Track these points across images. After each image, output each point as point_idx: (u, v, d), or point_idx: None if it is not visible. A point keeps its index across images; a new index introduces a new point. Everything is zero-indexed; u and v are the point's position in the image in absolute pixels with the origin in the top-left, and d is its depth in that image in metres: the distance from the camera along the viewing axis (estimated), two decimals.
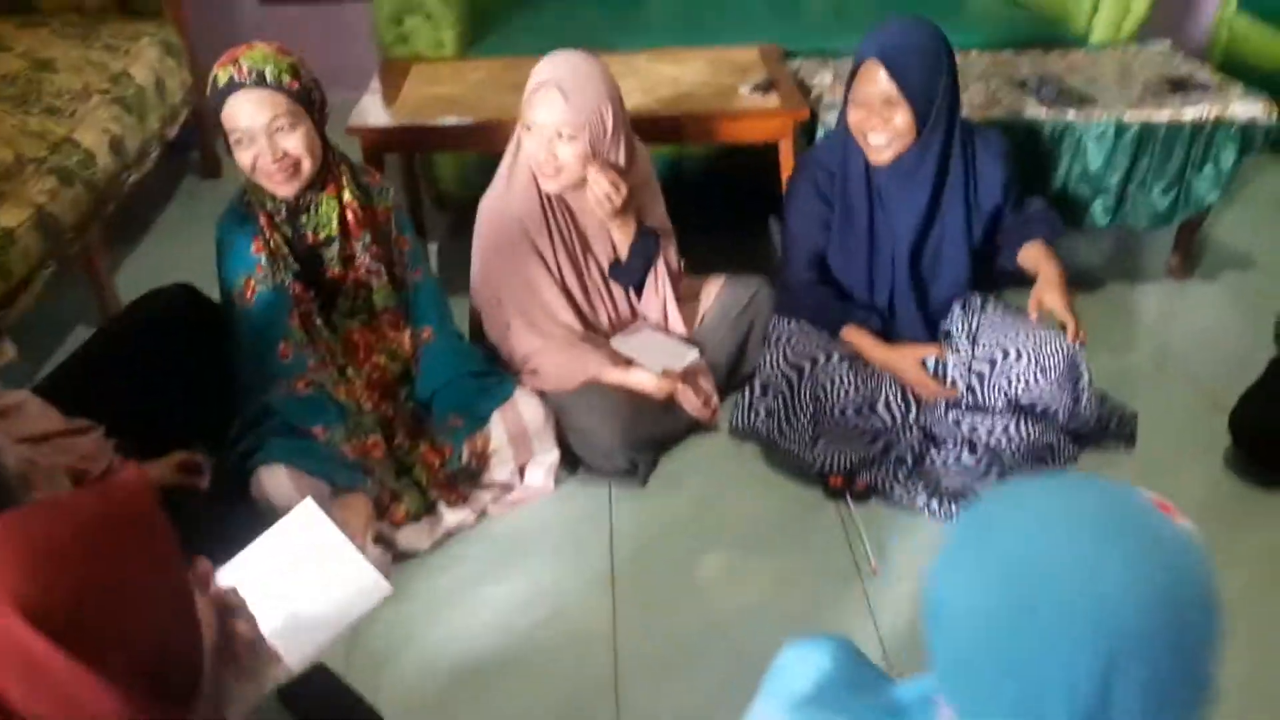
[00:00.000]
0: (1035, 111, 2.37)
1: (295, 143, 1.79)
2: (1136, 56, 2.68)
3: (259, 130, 1.77)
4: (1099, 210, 2.47)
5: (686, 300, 2.24)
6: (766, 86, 2.44)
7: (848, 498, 2.00)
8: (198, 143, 3.34)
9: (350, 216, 1.94)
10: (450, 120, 2.38)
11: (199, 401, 2.00)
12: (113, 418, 1.83)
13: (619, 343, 2.16)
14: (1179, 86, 2.46)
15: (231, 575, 1.24)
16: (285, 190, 1.84)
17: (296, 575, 1.34)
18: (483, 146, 2.42)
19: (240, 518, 1.83)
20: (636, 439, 2.04)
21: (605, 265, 2.15)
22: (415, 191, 2.87)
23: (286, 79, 1.76)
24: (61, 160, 2.38)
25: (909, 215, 2.08)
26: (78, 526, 0.86)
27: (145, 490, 0.92)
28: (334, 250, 1.95)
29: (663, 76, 2.56)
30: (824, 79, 2.57)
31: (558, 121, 1.93)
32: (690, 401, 2.10)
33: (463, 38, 2.78)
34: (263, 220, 1.88)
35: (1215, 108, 2.39)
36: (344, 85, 2.75)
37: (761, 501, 2.04)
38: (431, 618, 1.79)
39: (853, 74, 2.02)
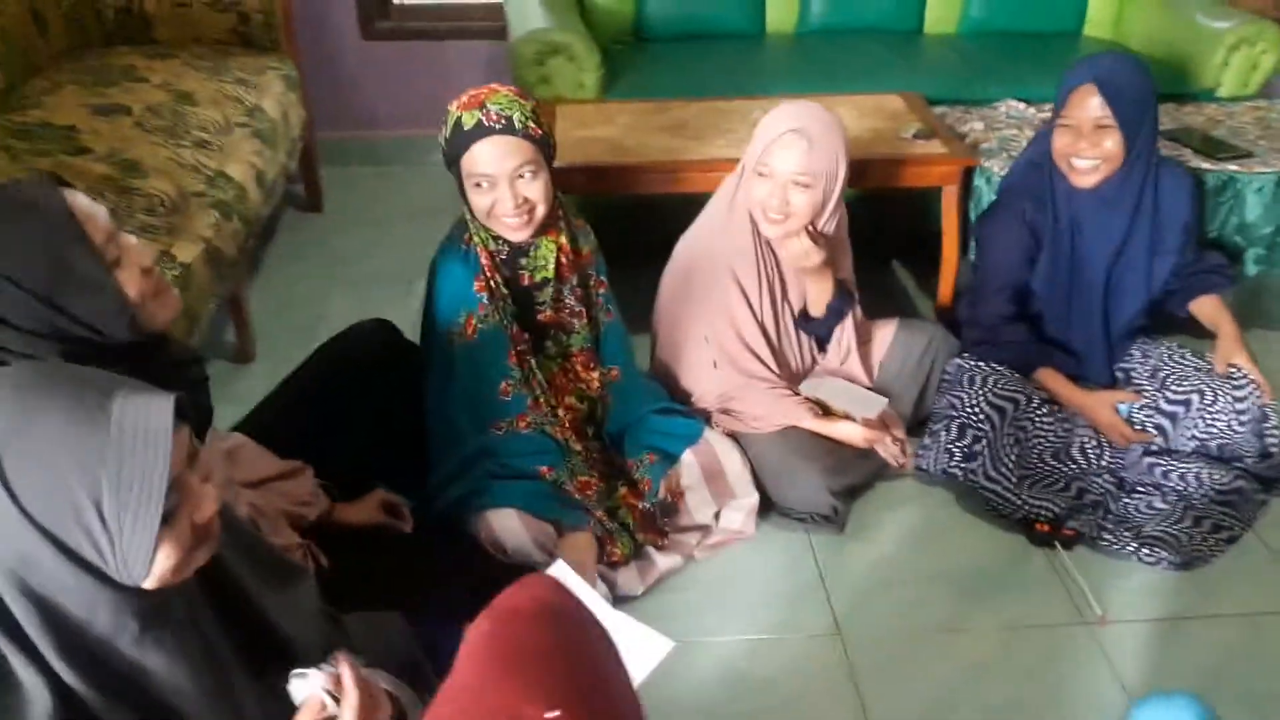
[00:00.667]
0: (1198, 163, 2.41)
1: (536, 190, 1.77)
2: (1271, 110, 2.74)
3: (503, 176, 1.74)
4: (1250, 260, 2.50)
5: (861, 345, 2.24)
6: (928, 134, 2.46)
7: (1057, 544, 1.98)
8: (300, 177, 3.30)
9: (564, 260, 1.91)
10: (616, 161, 2.37)
11: (393, 441, 1.95)
12: (314, 457, 1.78)
13: (808, 389, 2.14)
14: None
15: None
16: (519, 235, 1.82)
17: None
18: (645, 188, 2.41)
19: (451, 560, 1.80)
20: (840, 485, 2.02)
21: (796, 312, 2.14)
22: None
23: (531, 126, 1.74)
24: (219, 194, 2.34)
25: (1106, 244, 2.12)
26: (548, 626, 0.82)
27: (560, 583, 0.89)
28: (547, 293, 1.92)
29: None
30: (974, 126, 2.61)
31: (798, 169, 1.93)
32: (888, 449, 2.08)
33: (602, 80, 2.78)
34: (484, 259, 1.84)
35: None
36: None
37: (966, 548, 2.02)
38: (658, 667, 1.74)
39: (1062, 100, 2.06)
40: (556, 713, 0.75)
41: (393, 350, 2.00)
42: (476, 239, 1.85)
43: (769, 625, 1.84)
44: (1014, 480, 2.01)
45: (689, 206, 2.21)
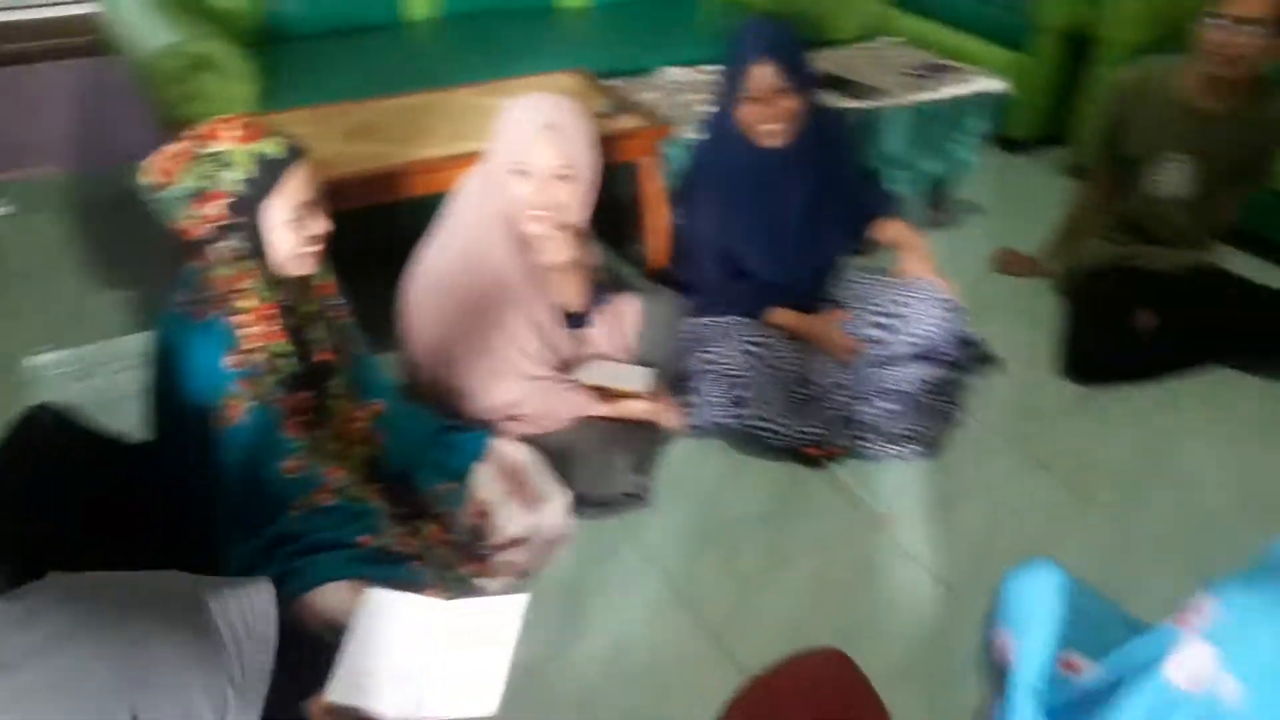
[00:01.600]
0: (845, 104, 2.71)
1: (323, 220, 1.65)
2: (881, 50, 3.13)
3: (308, 207, 1.61)
4: (900, 183, 2.88)
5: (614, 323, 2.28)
6: (615, 109, 2.53)
7: (826, 463, 2.19)
8: None
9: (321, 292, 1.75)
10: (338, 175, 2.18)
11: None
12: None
13: (582, 378, 2.15)
14: (934, 70, 2.94)
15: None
16: (311, 268, 1.67)
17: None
18: (382, 195, 2.26)
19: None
20: (636, 461, 2.06)
21: (559, 308, 2.14)
22: None
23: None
24: None
25: (796, 193, 2.32)
26: None
27: None
28: (321, 327, 1.75)
29: (497, 110, 2.54)
30: (648, 95, 2.72)
31: (560, 162, 1.90)
32: (666, 415, 2.15)
33: (255, 92, 2.54)
34: (251, 319, 1.63)
35: (964, 85, 2.90)
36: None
37: (757, 488, 2.16)
38: (528, 697, 1.69)
39: (739, 75, 2.21)
40: None
41: (83, 441, 1.72)
42: (239, 302, 1.62)
43: (617, 618, 1.85)
44: (782, 415, 2.18)
45: (416, 211, 2.11)
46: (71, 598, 0.80)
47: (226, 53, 2.46)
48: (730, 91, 2.25)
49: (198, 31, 2.51)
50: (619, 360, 2.22)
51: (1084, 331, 2.58)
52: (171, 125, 2.40)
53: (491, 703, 1.35)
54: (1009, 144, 3.59)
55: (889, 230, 2.45)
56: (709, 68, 3.00)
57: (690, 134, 2.51)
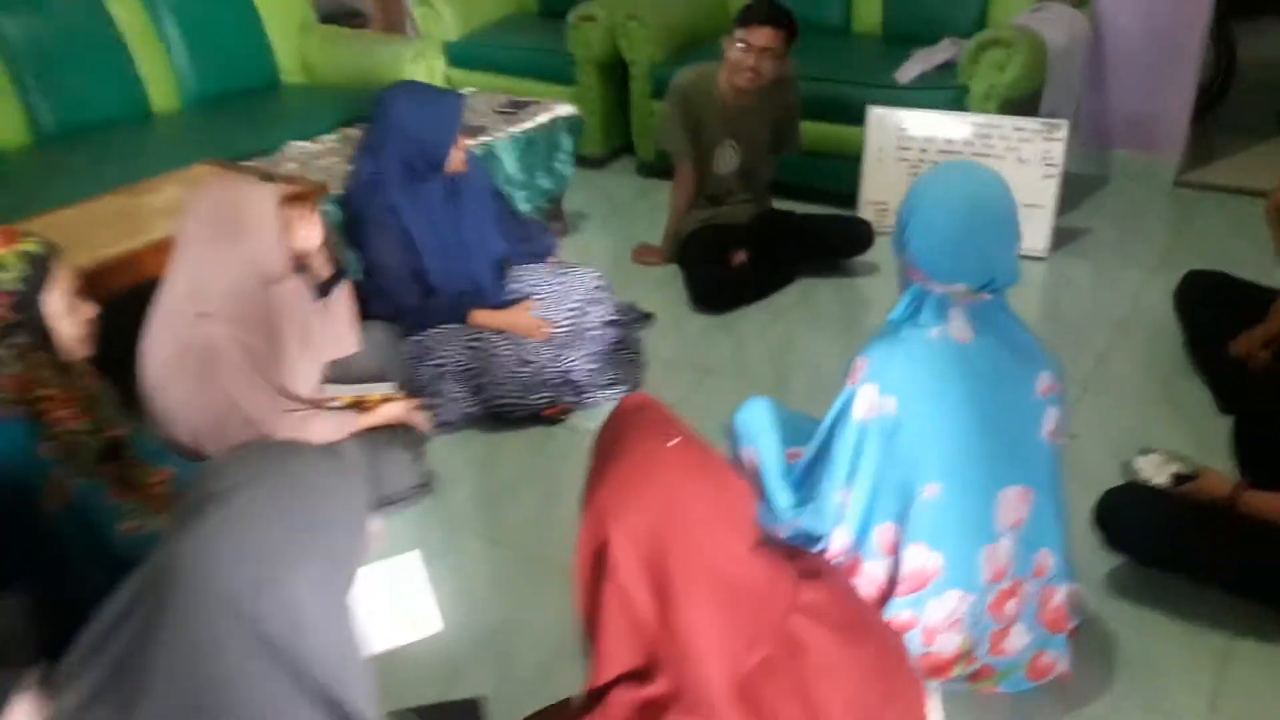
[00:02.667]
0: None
1: None
2: (469, 99, 3.63)
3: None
4: (522, 200, 3.39)
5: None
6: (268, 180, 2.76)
7: (563, 418, 2.63)
8: None
9: None
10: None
11: None
12: None
13: (335, 400, 2.37)
14: (519, 105, 3.50)
15: None
16: (89, 350, 1.78)
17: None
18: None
19: None
20: (415, 455, 2.34)
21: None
22: None
23: None
24: None
25: (471, 205, 2.75)
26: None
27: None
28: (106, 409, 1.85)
29: (158, 207, 2.66)
30: (290, 166, 2.98)
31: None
32: (417, 416, 2.43)
33: None
34: (57, 405, 1.71)
35: (550, 112, 3.49)
36: None
37: (516, 451, 2.54)
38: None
39: (443, 152, 2.61)
40: (678, 439, 1.12)
41: None
42: (37, 391, 1.68)
43: (461, 578, 2.12)
44: (516, 391, 2.57)
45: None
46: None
47: None
48: (426, 156, 2.61)
49: None
50: (358, 382, 2.47)
51: (697, 275, 3.26)
52: None
53: (436, 622, 1.61)
54: (586, 161, 4.26)
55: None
56: (326, 138, 3.34)
57: (338, 190, 2.82)
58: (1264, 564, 1.85)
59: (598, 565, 1.09)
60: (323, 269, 2.38)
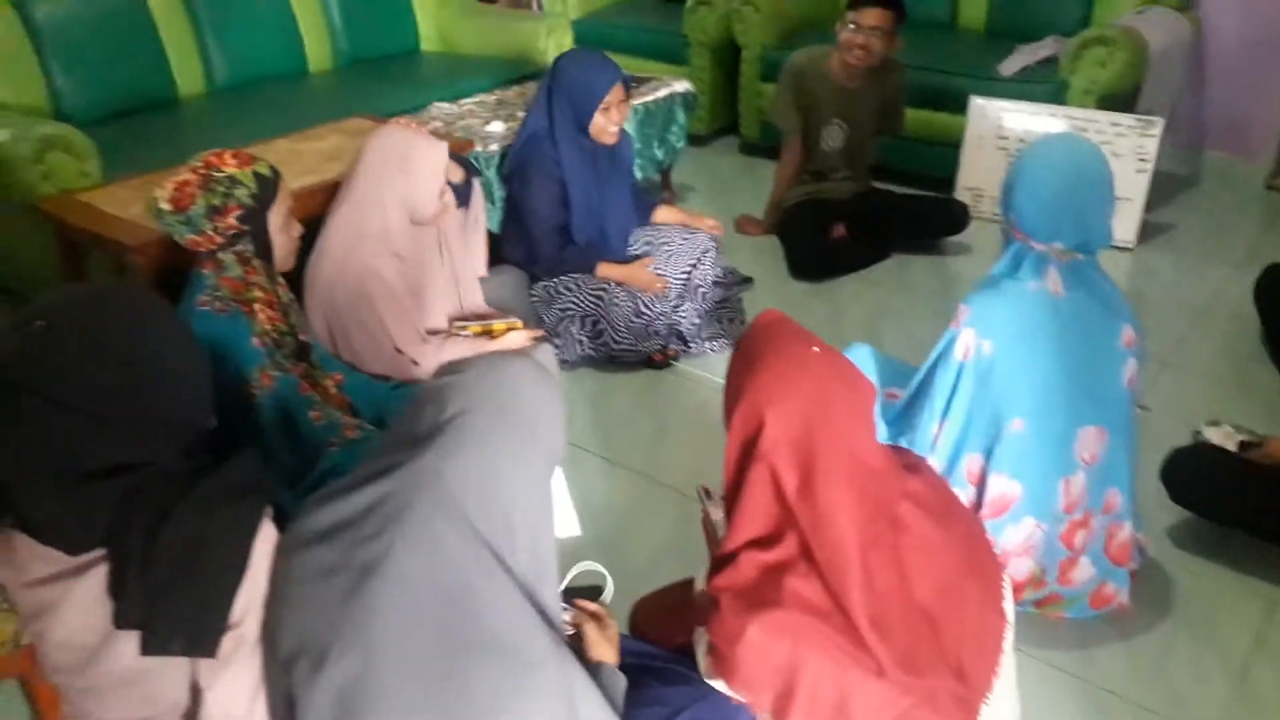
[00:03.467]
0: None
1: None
2: None
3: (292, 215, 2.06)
4: (636, 168, 3.65)
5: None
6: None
7: (671, 363, 2.90)
8: None
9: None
10: None
11: None
12: None
13: (470, 328, 2.66)
14: (639, 81, 3.77)
15: None
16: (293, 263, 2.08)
17: None
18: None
19: None
20: None
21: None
22: None
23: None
24: None
25: (618, 174, 3.01)
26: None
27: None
28: (296, 312, 2.16)
29: (323, 151, 2.99)
30: (435, 125, 3.28)
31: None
32: (540, 347, 2.70)
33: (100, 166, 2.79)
34: (259, 309, 2.01)
35: (667, 88, 3.75)
36: None
37: (629, 391, 2.82)
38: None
39: (595, 100, 2.82)
40: (818, 347, 1.37)
41: None
42: (251, 293, 2.01)
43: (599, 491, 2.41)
44: (631, 337, 2.84)
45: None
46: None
47: (74, 134, 2.70)
48: (579, 106, 2.85)
49: (29, 113, 2.73)
50: (485, 313, 2.77)
51: (797, 245, 3.49)
52: (29, 207, 2.62)
53: (576, 526, 1.88)
54: (692, 138, 4.51)
55: (663, 212, 3.20)
56: (467, 100, 3.64)
57: (483, 147, 3.12)
58: None
59: (748, 446, 1.33)
60: (455, 173, 2.67)
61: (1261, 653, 1.96)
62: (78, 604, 1.24)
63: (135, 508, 1.26)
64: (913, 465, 1.45)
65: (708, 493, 1.82)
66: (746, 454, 1.33)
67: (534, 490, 1.25)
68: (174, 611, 1.23)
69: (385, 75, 3.85)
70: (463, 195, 2.71)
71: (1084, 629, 2.00)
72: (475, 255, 2.80)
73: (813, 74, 3.47)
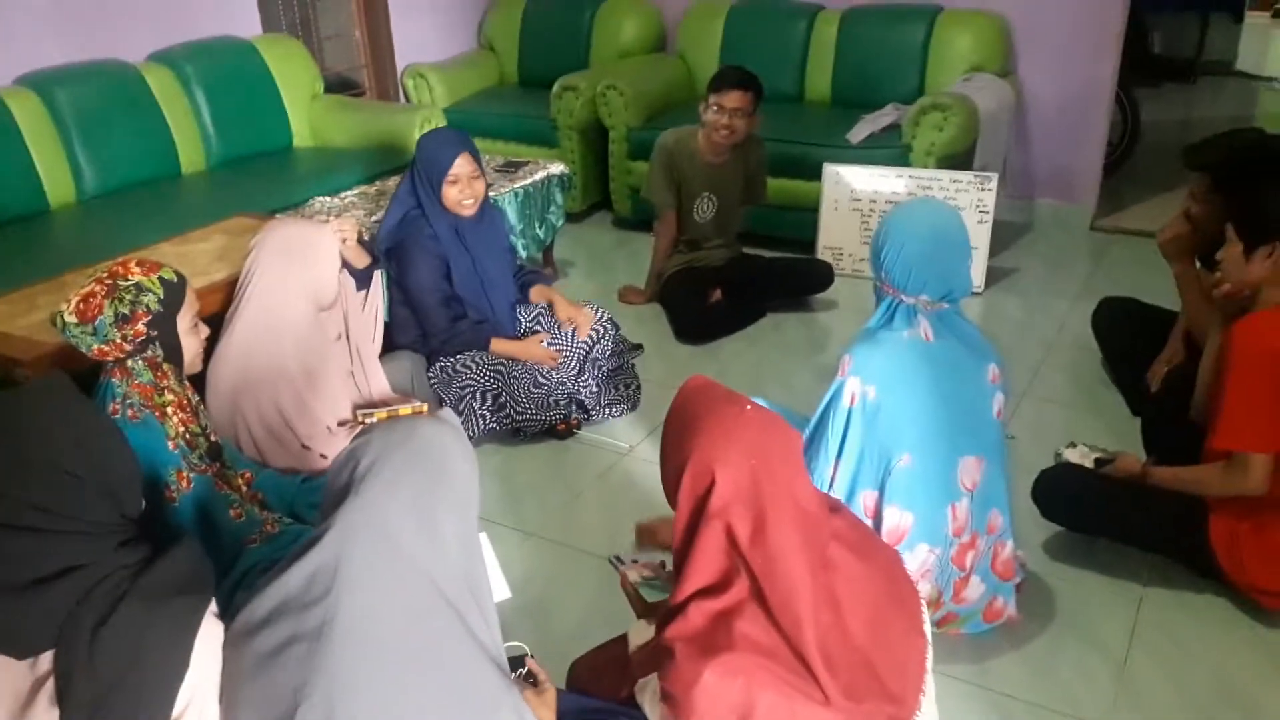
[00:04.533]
0: None
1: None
2: None
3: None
4: (520, 247, 3.79)
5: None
6: None
7: (575, 432, 3.00)
8: None
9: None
10: None
11: None
12: None
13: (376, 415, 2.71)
14: (515, 165, 3.92)
15: None
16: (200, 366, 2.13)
17: None
18: None
19: None
20: None
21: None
22: None
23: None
24: None
25: (494, 249, 3.12)
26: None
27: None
28: (205, 414, 2.18)
29: (210, 252, 3.00)
30: (319, 216, 3.34)
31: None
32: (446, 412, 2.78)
33: None
34: (173, 411, 2.03)
35: (544, 170, 3.92)
36: None
37: (536, 461, 2.91)
38: None
39: (441, 173, 2.93)
40: (749, 405, 1.49)
41: None
42: (163, 397, 2.02)
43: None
44: (533, 408, 2.94)
45: None
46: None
47: None
48: (432, 181, 2.96)
49: None
50: (395, 397, 2.82)
51: (680, 311, 3.68)
52: None
53: (505, 590, 1.95)
54: (569, 216, 4.68)
55: (540, 292, 3.30)
56: (347, 193, 3.72)
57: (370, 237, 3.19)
58: (1169, 525, 2.28)
59: (699, 504, 1.40)
60: (361, 259, 2.75)
61: (1136, 644, 2.18)
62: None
63: (86, 607, 1.29)
64: (834, 506, 1.58)
65: (620, 559, 1.93)
66: (698, 511, 1.41)
67: (458, 524, 1.31)
68: (119, 709, 1.26)
69: (260, 173, 3.90)
70: (362, 279, 2.79)
71: (980, 642, 2.18)
72: (377, 340, 2.86)
73: (681, 152, 3.69)
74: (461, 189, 2.98)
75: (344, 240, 2.67)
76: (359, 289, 2.79)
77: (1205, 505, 2.22)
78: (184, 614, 1.35)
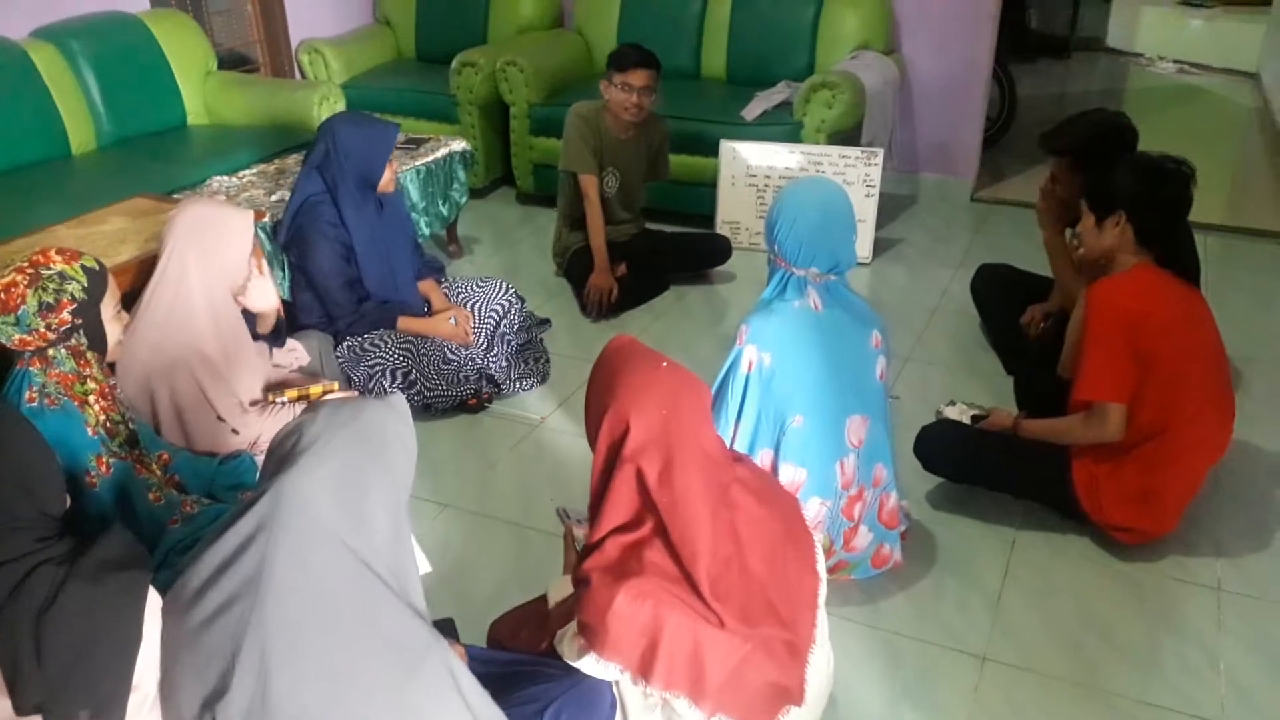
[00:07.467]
0: None
1: None
2: None
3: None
4: (423, 225, 3.83)
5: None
6: None
7: (485, 405, 3.09)
8: None
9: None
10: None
11: None
12: None
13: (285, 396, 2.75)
14: (418, 142, 3.95)
15: None
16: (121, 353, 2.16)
17: None
18: None
19: None
20: None
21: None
22: None
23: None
24: None
25: (398, 227, 3.17)
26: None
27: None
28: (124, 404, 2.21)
29: (109, 234, 2.98)
30: (219, 198, 3.33)
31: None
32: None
33: None
34: (93, 399, 2.05)
35: (446, 147, 3.95)
36: None
37: (448, 436, 2.99)
38: None
39: (376, 175, 2.98)
40: (665, 362, 1.62)
41: None
42: (85, 386, 2.03)
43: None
44: (443, 384, 3.01)
45: None
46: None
47: None
48: (358, 176, 2.98)
49: None
50: (303, 377, 2.86)
51: (583, 286, 3.77)
52: None
53: (425, 564, 2.03)
54: (472, 192, 4.72)
55: (423, 286, 3.33)
56: (246, 172, 3.70)
57: (270, 218, 3.20)
58: (1037, 472, 2.50)
59: (614, 449, 1.56)
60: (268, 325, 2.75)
61: (1010, 581, 2.39)
62: None
63: (22, 598, 1.34)
64: (739, 457, 1.74)
65: (567, 513, 2.04)
66: (613, 456, 1.56)
67: (390, 505, 1.39)
68: (84, 685, 1.32)
69: (155, 152, 3.84)
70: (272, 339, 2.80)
71: (869, 586, 2.36)
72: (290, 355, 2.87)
73: (591, 126, 3.77)
74: (393, 168, 3.05)
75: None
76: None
77: (1068, 453, 2.45)
78: (131, 585, 1.40)
